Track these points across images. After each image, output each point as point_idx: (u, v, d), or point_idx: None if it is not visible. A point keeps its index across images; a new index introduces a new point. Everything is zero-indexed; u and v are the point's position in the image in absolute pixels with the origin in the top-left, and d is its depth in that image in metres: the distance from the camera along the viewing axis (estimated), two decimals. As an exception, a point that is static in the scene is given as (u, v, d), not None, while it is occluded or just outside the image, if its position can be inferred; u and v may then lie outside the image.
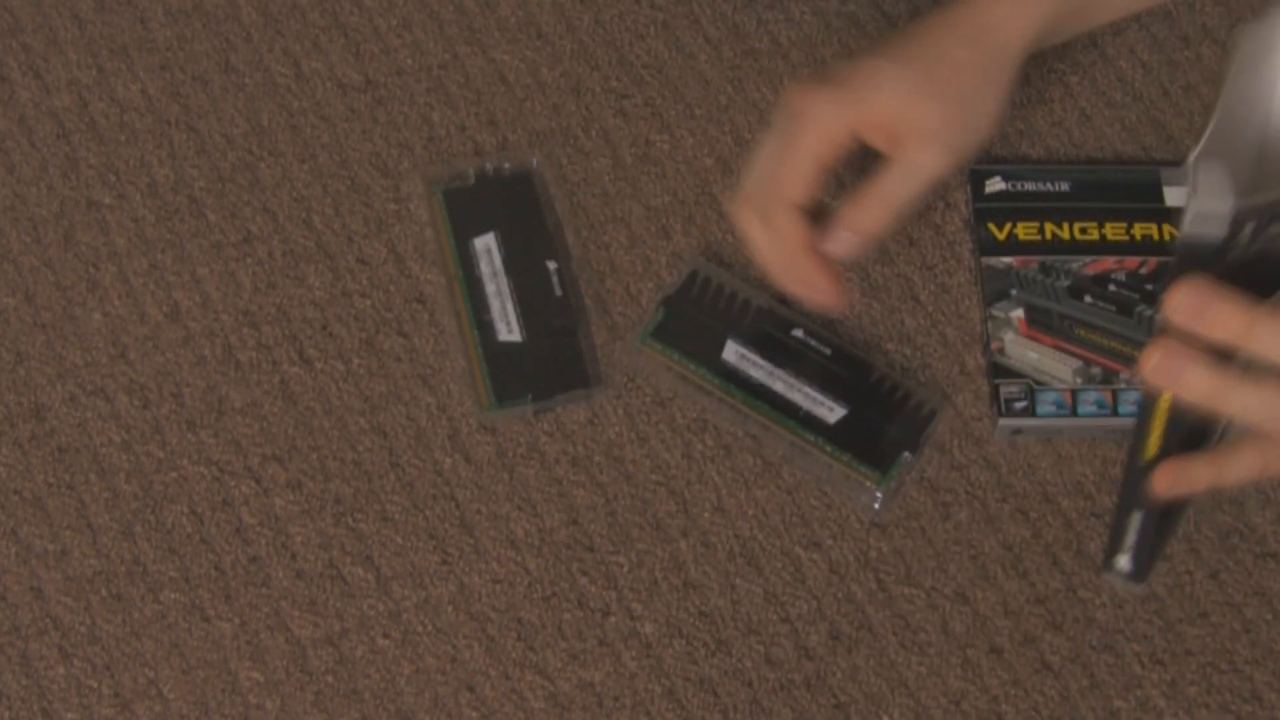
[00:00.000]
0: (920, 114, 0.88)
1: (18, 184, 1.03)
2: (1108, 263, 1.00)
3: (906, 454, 0.96)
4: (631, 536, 0.95)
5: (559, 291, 0.99)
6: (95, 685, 0.92)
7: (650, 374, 0.97)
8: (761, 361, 0.97)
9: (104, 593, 0.93)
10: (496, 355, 0.98)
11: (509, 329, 0.98)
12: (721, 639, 0.93)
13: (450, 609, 0.93)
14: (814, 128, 0.89)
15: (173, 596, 0.93)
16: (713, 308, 0.98)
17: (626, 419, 0.97)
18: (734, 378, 0.97)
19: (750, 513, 0.96)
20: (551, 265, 1.00)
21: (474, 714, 0.91)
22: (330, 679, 0.92)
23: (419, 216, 1.02)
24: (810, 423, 0.96)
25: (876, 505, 0.95)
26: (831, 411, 0.96)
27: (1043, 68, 1.07)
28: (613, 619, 0.93)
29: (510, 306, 0.99)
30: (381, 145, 1.04)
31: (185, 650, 0.92)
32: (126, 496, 0.95)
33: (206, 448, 0.96)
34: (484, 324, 0.98)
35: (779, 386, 0.97)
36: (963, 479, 0.96)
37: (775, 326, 0.98)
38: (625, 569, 0.94)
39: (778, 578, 0.94)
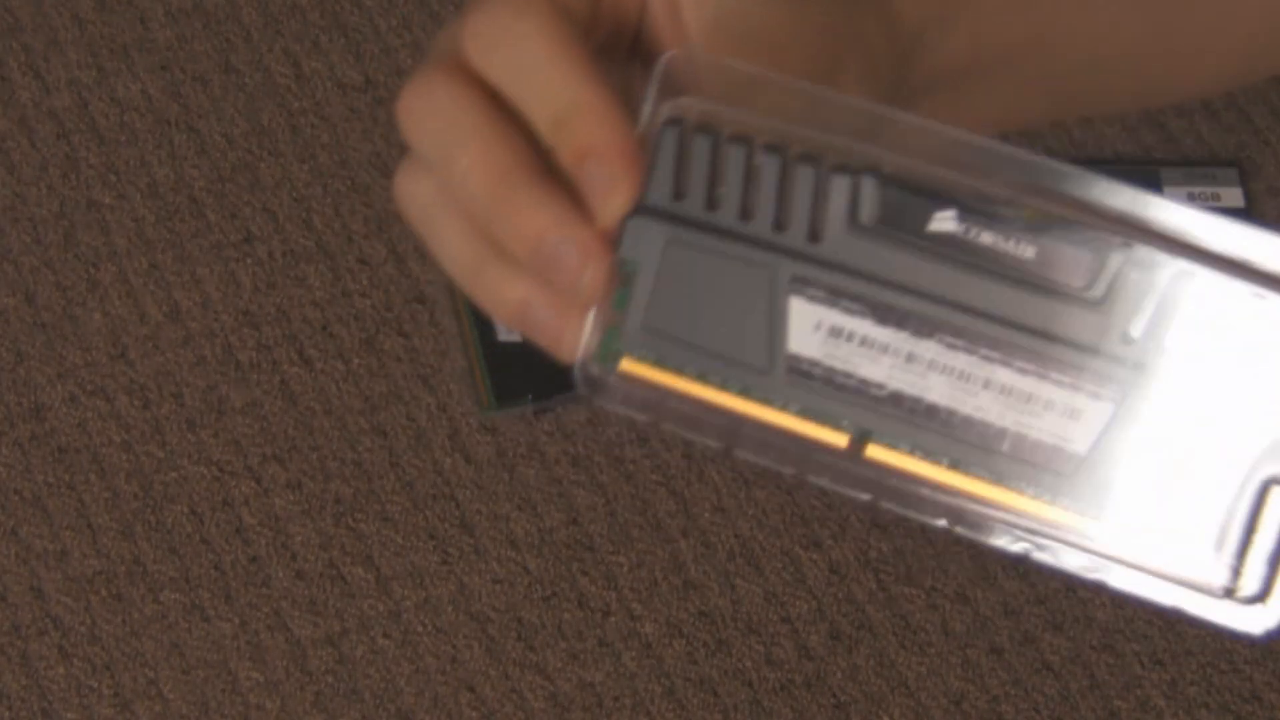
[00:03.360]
0: None
1: (18, 184, 1.03)
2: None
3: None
4: (631, 536, 0.95)
5: (559, 291, 0.99)
6: (95, 685, 0.92)
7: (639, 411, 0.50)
8: (886, 332, 0.46)
9: (104, 593, 0.93)
10: (496, 355, 0.98)
11: (509, 329, 0.98)
12: (721, 639, 0.93)
13: (450, 609, 0.93)
14: None
15: (173, 596, 0.93)
16: (736, 213, 0.48)
17: (626, 419, 0.97)
18: (822, 393, 0.47)
19: (750, 513, 0.96)
20: (551, 265, 1.00)
21: (474, 714, 0.91)
22: (330, 679, 0.92)
23: (419, 216, 1.02)
24: (1038, 467, 0.46)
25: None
26: (1079, 422, 0.45)
27: (1043, 68, 1.07)
28: (613, 619, 0.93)
29: (510, 306, 0.99)
30: (381, 145, 1.04)
31: (185, 650, 0.92)
32: (126, 496, 0.95)
33: (206, 448, 0.96)
34: (484, 324, 0.98)
35: (940, 389, 0.46)
36: (963, 479, 0.96)
37: (897, 220, 0.46)
38: (625, 569, 0.94)
39: (778, 578, 0.94)
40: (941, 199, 0.46)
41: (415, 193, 0.53)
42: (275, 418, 0.97)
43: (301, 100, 1.05)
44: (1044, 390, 0.46)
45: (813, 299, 0.47)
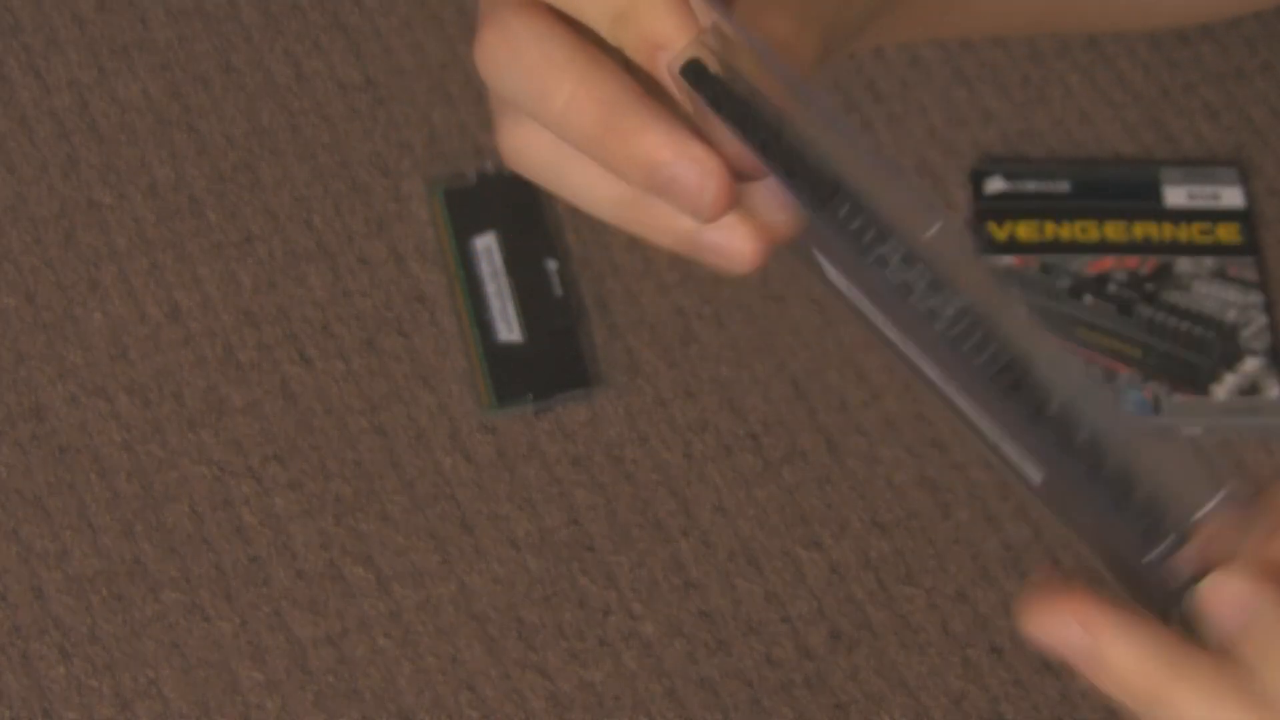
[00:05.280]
0: None
1: (18, 184, 1.03)
2: (1108, 262, 1.00)
3: None
4: (631, 536, 0.95)
5: (559, 291, 0.99)
6: (95, 685, 0.92)
7: None
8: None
9: (104, 593, 0.93)
10: (496, 355, 0.98)
11: (509, 329, 0.98)
12: (721, 639, 0.93)
13: (450, 609, 0.93)
14: None
15: (173, 596, 0.93)
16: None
17: (626, 419, 0.97)
18: None
19: (750, 513, 0.96)
20: (551, 265, 1.00)
21: (474, 714, 0.91)
22: (330, 679, 0.92)
23: (419, 216, 1.02)
24: None
25: None
26: (1027, 464, 0.47)
27: (1042, 67, 1.06)
28: (613, 619, 0.93)
29: (510, 306, 0.99)
30: (382, 145, 1.04)
31: (185, 650, 0.92)
32: (126, 496, 0.95)
33: (207, 447, 0.96)
34: (484, 324, 0.98)
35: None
36: (963, 478, 0.96)
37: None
38: (625, 569, 0.94)
39: (778, 578, 0.94)
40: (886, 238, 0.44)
41: (528, 147, 0.50)
42: (275, 418, 0.97)
43: (301, 100, 1.05)
44: (995, 432, 0.45)
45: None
